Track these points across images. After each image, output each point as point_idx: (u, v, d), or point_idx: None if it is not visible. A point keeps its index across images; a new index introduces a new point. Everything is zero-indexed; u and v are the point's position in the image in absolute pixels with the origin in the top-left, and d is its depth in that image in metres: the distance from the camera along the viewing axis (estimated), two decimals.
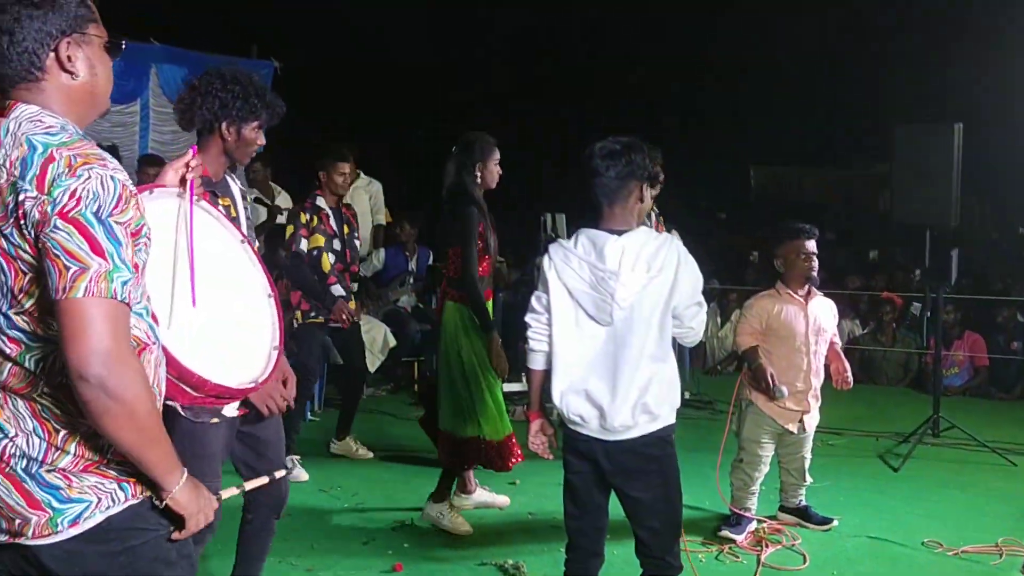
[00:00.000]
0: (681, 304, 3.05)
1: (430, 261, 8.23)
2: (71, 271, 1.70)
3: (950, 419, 6.26)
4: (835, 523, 4.74)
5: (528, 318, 3.21)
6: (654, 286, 3.02)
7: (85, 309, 1.70)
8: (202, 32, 9.20)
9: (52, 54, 1.84)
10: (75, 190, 1.72)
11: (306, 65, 10.87)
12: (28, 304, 1.79)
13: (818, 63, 16.85)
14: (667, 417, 3.12)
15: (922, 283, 7.82)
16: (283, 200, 7.52)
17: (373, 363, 7.09)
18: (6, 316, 1.80)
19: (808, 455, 4.74)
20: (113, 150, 4.45)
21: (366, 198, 8.29)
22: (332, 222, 5.50)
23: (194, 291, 2.40)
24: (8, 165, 1.77)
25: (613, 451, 3.09)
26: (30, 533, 1.82)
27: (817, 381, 4.60)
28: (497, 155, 4.60)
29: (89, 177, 1.74)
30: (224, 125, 3.00)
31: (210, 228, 2.61)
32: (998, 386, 8.10)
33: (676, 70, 17.05)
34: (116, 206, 1.75)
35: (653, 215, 5.69)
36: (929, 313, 7.00)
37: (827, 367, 4.69)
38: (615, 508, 3.21)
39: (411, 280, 8.06)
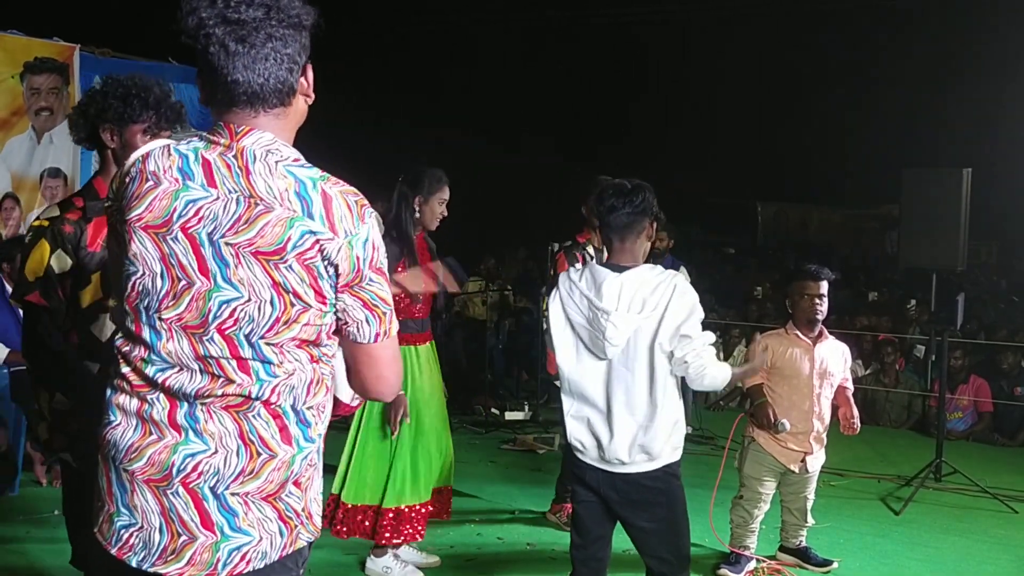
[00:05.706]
0: (664, 336, 3.00)
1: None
2: (388, 315, 1.81)
3: (952, 464, 6.25)
4: (835, 565, 4.72)
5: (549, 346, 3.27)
6: (647, 324, 3.02)
7: (393, 347, 1.85)
8: None
9: (303, 78, 1.78)
10: (374, 240, 1.76)
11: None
12: (286, 335, 1.75)
13: (827, 103, 16.96)
14: (668, 456, 3.14)
15: (927, 326, 7.82)
16: None
17: None
18: (253, 344, 1.74)
19: (811, 496, 4.72)
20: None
21: None
22: None
23: None
24: (279, 196, 1.69)
25: (618, 482, 3.12)
26: (183, 562, 1.76)
27: (820, 424, 4.57)
28: (444, 194, 4.16)
29: (374, 224, 1.77)
30: (103, 131, 2.75)
31: None
32: (1001, 432, 8.07)
33: (687, 107, 17.17)
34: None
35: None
36: (934, 357, 6.98)
37: (836, 410, 4.68)
38: (621, 541, 3.21)
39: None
